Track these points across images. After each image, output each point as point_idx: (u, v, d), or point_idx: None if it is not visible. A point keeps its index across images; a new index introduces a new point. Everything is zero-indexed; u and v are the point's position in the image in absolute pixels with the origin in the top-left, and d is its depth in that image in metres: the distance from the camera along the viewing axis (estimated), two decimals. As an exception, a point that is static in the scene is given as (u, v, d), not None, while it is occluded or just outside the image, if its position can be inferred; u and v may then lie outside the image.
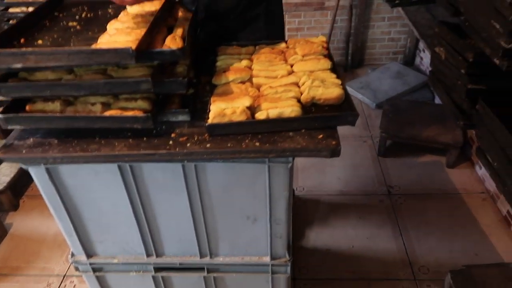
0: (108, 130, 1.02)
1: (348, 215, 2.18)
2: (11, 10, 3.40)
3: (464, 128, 1.45)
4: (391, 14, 3.35)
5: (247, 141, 0.99)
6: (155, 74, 1.00)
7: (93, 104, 1.05)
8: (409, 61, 3.55)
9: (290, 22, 3.46)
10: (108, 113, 1.00)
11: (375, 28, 3.49)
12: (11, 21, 3.22)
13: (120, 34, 0.99)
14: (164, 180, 1.12)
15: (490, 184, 2.25)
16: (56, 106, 1.02)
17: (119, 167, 1.08)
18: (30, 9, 2.98)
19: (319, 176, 2.44)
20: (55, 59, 0.90)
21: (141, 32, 0.99)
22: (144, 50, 0.96)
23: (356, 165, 2.52)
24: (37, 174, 1.09)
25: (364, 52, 3.63)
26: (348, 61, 3.63)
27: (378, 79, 3.26)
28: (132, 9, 1.18)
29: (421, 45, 3.37)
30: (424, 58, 3.33)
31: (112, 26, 1.08)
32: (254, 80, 1.17)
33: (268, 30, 1.48)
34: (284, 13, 1.62)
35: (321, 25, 3.49)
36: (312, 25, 3.50)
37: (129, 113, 1.00)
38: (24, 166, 1.07)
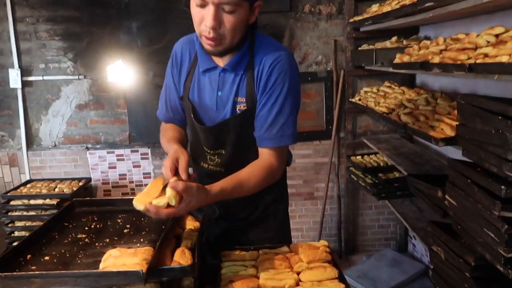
0: None
1: None
2: (12, 202, 3.44)
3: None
4: (377, 203, 3.54)
5: None
6: (162, 292, 0.98)
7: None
8: (402, 246, 3.57)
9: (282, 211, 3.60)
10: None
11: (364, 215, 3.63)
12: (9, 213, 3.25)
13: (125, 255, 0.99)
14: None
15: None
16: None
17: None
18: (32, 201, 3.07)
19: None
20: (61, 282, 0.89)
21: (145, 251, 0.99)
22: (153, 268, 0.96)
23: None
24: None
25: (357, 238, 3.67)
26: (342, 248, 3.63)
27: (375, 268, 3.20)
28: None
29: (411, 232, 3.45)
30: (417, 245, 3.36)
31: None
32: (261, 291, 1.14)
33: (276, 230, 1.56)
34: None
35: (312, 213, 3.63)
36: (303, 213, 3.63)
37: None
38: None
